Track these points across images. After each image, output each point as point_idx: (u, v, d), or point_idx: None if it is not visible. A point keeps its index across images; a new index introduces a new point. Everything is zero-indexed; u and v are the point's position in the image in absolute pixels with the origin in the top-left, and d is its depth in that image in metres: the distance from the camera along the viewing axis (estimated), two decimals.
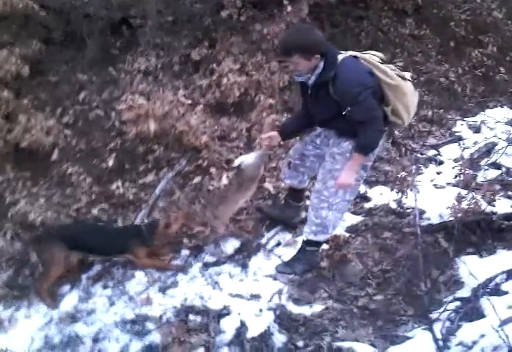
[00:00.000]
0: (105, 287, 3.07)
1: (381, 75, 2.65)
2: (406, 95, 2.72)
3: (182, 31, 5.02)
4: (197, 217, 3.40)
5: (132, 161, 4.00)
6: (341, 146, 2.83)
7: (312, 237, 3.06)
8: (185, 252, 3.30)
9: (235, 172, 3.58)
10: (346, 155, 2.80)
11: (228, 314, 2.76)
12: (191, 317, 2.77)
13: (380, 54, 2.78)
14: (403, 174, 3.94)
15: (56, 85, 4.42)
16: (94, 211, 3.62)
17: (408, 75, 2.81)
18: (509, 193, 3.84)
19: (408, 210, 3.71)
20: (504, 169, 4.10)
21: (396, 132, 4.39)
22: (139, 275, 3.13)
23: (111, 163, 3.94)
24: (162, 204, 3.73)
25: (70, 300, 3.00)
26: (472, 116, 4.98)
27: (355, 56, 2.67)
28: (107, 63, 4.79)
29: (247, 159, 3.07)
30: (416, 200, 3.41)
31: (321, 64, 2.62)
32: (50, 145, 3.87)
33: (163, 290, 3.00)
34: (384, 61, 2.76)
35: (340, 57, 2.62)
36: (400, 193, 3.78)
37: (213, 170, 3.98)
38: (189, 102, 4.23)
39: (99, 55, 4.78)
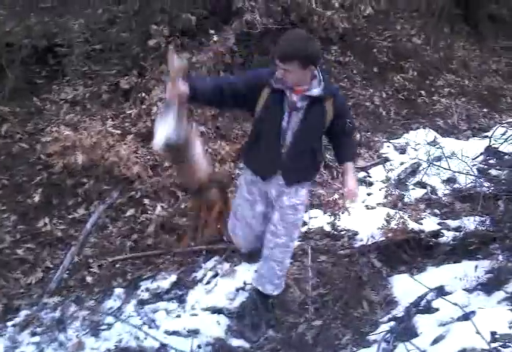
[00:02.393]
0: (33, 334, 2.87)
1: None
2: None
3: (110, 60, 4.96)
4: None
5: (60, 196, 3.82)
6: (300, 195, 2.64)
7: (277, 291, 2.92)
8: (118, 291, 3.17)
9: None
10: (304, 203, 2.72)
11: None
12: None
13: None
14: (335, 196, 4.06)
15: None
16: (20, 251, 3.42)
17: None
18: (435, 211, 4.03)
19: (342, 233, 3.79)
20: (429, 188, 4.30)
21: (327, 155, 4.50)
22: (69, 319, 2.96)
23: (37, 198, 3.75)
24: (94, 240, 3.59)
25: None
26: (397, 138, 5.23)
27: None
28: (31, 93, 4.63)
29: (167, 131, 2.17)
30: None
31: (319, 77, 2.39)
32: None
33: (96, 332, 2.85)
34: None
35: None
36: (333, 216, 3.88)
37: (146, 201, 3.90)
38: (119, 132, 4.15)
39: (22, 85, 4.61)
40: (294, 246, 3.45)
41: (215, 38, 4.68)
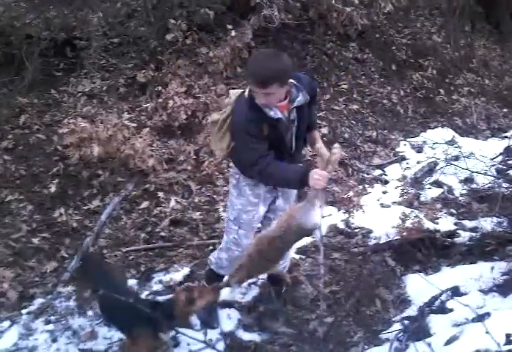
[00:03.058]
0: (47, 322, 2.89)
1: None
2: None
3: (128, 53, 4.99)
4: None
5: (76, 187, 3.86)
6: None
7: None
8: (132, 282, 3.18)
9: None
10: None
11: (177, 345, 2.67)
12: None
13: None
14: (350, 194, 4.03)
15: None
16: (36, 240, 3.45)
17: None
18: (451, 210, 3.98)
19: (356, 230, 3.76)
20: (445, 188, 4.25)
21: (343, 153, 4.47)
22: (83, 308, 2.98)
23: (53, 189, 3.79)
24: (108, 231, 3.61)
25: (10, 337, 2.79)
26: (415, 137, 5.16)
27: None
28: (49, 85, 4.69)
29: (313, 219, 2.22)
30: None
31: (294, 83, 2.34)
32: None
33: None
34: None
35: None
36: (347, 214, 3.85)
37: (161, 194, 3.91)
38: (134, 125, 4.18)
39: (40, 77, 4.66)
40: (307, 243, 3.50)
41: (232, 33, 4.68)
